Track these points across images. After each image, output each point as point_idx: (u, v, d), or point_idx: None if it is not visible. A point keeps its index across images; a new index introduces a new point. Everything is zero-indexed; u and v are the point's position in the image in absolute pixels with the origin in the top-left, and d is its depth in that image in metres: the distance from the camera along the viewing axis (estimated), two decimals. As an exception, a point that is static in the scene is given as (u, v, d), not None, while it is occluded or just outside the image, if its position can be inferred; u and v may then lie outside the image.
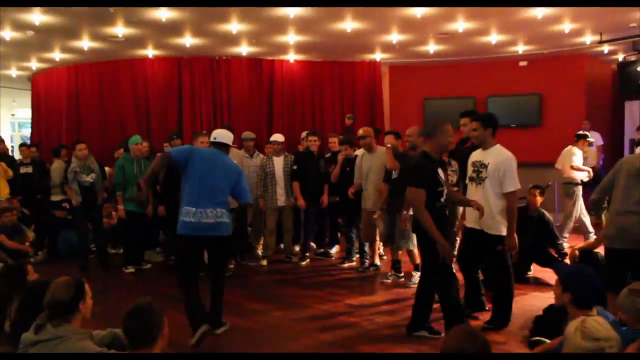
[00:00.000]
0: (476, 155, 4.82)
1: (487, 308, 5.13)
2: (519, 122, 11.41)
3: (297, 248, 7.95)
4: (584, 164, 10.63)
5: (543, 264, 6.37)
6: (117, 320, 2.55)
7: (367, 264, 7.04)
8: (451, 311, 4.35)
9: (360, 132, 6.84)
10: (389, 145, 6.22)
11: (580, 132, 9.01)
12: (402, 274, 6.54)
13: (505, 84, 11.51)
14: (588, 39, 9.85)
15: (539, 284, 6.27)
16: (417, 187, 4.21)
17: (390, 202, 6.23)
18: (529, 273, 6.58)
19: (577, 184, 8.37)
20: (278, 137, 7.59)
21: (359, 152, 7.01)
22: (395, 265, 6.58)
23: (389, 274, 6.57)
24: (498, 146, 4.73)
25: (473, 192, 4.77)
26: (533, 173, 10.01)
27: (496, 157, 4.63)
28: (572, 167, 8.43)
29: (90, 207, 7.34)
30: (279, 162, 7.46)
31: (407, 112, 11.83)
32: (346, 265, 7.32)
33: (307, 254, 7.66)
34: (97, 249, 7.77)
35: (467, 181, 4.93)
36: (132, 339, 2.44)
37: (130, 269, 7.22)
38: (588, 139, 8.73)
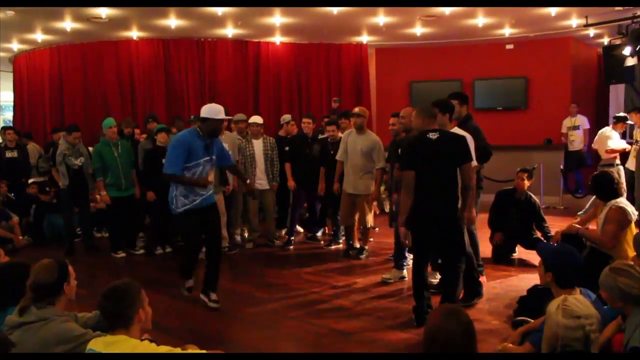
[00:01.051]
0: None
1: (481, 293, 5.14)
2: (505, 105, 11.46)
3: (283, 232, 7.91)
4: (570, 148, 10.75)
5: (528, 246, 6.43)
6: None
7: (342, 245, 7.06)
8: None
9: (357, 110, 6.73)
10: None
11: (620, 114, 8.99)
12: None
13: (491, 67, 11.54)
14: (574, 22, 9.89)
15: (524, 266, 6.33)
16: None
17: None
18: (513, 255, 6.64)
19: (616, 165, 8.35)
20: (257, 119, 7.42)
21: (346, 132, 6.94)
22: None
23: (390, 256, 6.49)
24: (455, 128, 4.84)
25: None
26: (519, 156, 10.11)
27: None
28: (607, 151, 8.47)
29: (78, 190, 7.27)
30: (258, 145, 7.32)
31: (394, 95, 11.83)
32: (333, 247, 7.34)
33: (292, 238, 7.62)
34: (83, 233, 7.73)
35: None
36: (107, 319, 2.45)
37: (121, 254, 7.15)
38: (627, 122, 8.72)
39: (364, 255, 6.78)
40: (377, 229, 7.69)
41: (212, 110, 4.86)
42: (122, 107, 11.01)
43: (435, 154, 4.24)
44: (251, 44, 11.48)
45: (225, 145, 6.81)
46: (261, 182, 7.31)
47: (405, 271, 5.85)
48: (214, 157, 4.99)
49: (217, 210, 5.19)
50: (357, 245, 6.95)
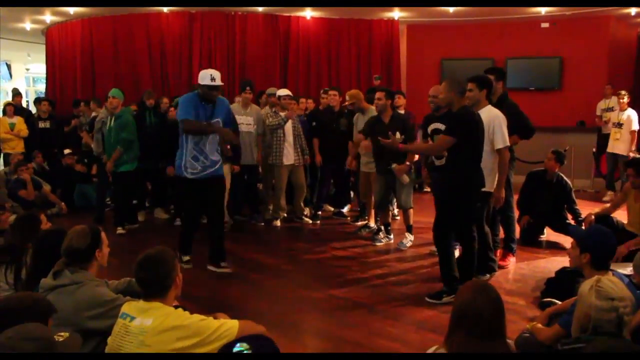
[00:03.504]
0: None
1: (496, 269, 5.14)
2: (538, 85, 11.22)
3: (307, 210, 7.80)
4: (604, 131, 10.40)
5: (557, 228, 6.35)
6: (132, 272, 2.54)
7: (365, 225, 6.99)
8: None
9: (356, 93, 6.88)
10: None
11: None
12: (392, 236, 6.51)
13: (525, 45, 11.27)
14: (614, -1, 9.57)
15: (552, 248, 6.26)
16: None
17: (378, 161, 6.18)
18: (542, 237, 6.57)
19: None
20: (286, 92, 7.30)
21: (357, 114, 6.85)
22: (387, 227, 6.51)
23: (382, 237, 6.45)
24: (489, 106, 4.77)
25: None
26: (551, 137, 9.92)
27: (487, 116, 4.66)
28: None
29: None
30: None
31: (424, 73, 11.67)
32: (360, 223, 7.32)
33: (319, 213, 7.63)
34: (113, 203, 7.81)
35: None
36: (145, 289, 2.45)
37: (121, 230, 6.88)
38: None
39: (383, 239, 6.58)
40: (397, 217, 7.53)
41: (201, 75, 5.05)
42: (152, 79, 11.08)
43: (476, 131, 4.38)
44: (282, 18, 11.40)
45: (248, 118, 6.90)
46: (290, 156, 7.22)
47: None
48: (218, 120, 5.09)
49: (224, 183, 5.33)
50: (372, 224, 6.90)
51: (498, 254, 5.40)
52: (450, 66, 11.55)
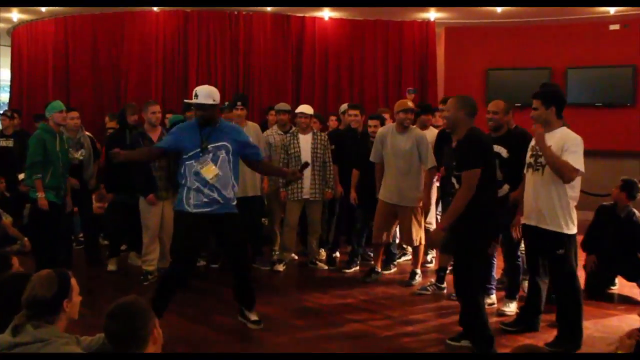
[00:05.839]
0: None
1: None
2: (606, 100, 11.18)
3: (322, 252, 7.82)
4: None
5: (631, 276, 6.26)
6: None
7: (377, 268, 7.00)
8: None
9: (410, 104, 6.74)
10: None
11: None
12: (445, 285, 6.50)
13: (590, 52, 11.27)
14: None
15: (626, 302, 6.17)
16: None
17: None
18: (612, 288, 6.47)
19: None
20: (306, 109, 7.38)
21: (386, 127, 6.91)
22: (441, 273, 6.54)
23: (429, 285, 6.52)
24: (564, 129, 4.78)
25: (529, 181, 4.92)
26: (622, 164, 9.85)
27: (559, 139, 4.69)
28: None
29: (78, 189, 7.36)
30: (306, 141, 7.29)
31: (466, 84, 11.68)
32: (351, 270, 7.30)
33: (336, 256, 7.64)
34: (86, 240, 7.86)
35: (525, 169, 5.03)
36: (116, 343, 2.47)
37: (112, 267, 7.19)
38: None
39: (416, 281, 6.73)
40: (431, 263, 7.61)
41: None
42: (140, 90, 11.23)
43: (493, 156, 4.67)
44: (294, 19, 11.55)
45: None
46: (308, 189, 7.25)
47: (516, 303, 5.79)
48: (219, 144, 5.04)
49: (238, 220, 5.22)
50: (379, 269, 6.97)
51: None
52: (498, 77, 11.57)
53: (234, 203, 5.15)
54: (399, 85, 11.57)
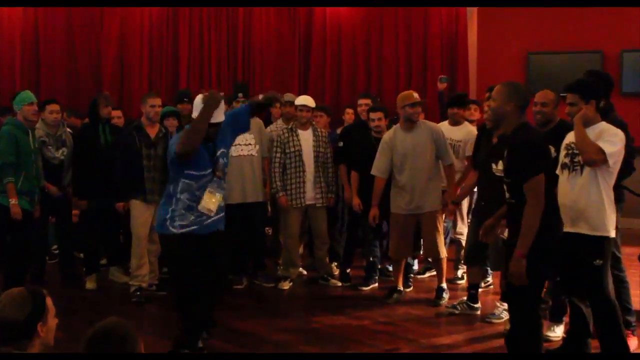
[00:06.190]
0: (572, 137, 4.89)
1: None
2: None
3: (334, 265, 7.85)
4: None
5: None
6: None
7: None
8: None
9: (416, 95, 6.70)
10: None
11: None
12: (479, 305, 6.50)
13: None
14: None
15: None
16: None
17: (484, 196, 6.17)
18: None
19: None
20: (307, 101, 7.33)
21: (388, 134, 6.85)
22: (472, 290, 6.52)
23: (458, 303, 6.51)
24: (604, 124, 4.81)
25: (565, 183, 4.89)
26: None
27: (598, 134, 4.71)
28: None
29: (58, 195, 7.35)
30: (306, 138, 7.28)
31: (503, 71, 11.62)
32: (368, 288, 7.31)
33: (349, 271, 7.59)
34: (61, 253, 7.84)
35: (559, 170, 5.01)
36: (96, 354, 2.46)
37: (91, 285, 7.22)
38: None
39: (444, 300, 6.73)
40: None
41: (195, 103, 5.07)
42: (122, 82, 11.27)
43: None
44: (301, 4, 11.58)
45: (246, 136, 6.88)
46: (311, 193, 7.27)
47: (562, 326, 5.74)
48: (223, 151, 5.11)
49: (222, 239, 5.23)
50: (401, 287, 6.96)
51: None
52: (540, 62, 11.53)
53: (221, 215, 5.13)
54: (424, 75, 11.55)
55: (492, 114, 4.69)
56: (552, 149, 5.38)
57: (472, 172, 6.55)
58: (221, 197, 5.02)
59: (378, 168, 6.76)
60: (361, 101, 7.70)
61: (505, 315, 5.91)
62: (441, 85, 8.83)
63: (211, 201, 4.94)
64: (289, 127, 7.32)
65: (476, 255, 6.37)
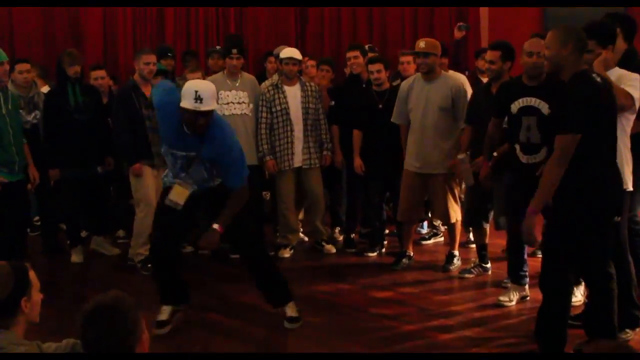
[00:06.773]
0: None
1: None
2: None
3: (337, 230, 7.95)
4: None
5: None
6: (75, 328, 2.53)
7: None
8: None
9: (422, 44, 6.52)
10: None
11: None
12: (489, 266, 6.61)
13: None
14: None
15: None
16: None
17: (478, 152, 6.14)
18: None
19: None
20: (294, 53, 7.23)
21: (406, 81, 6.84)
22: (482, 251, 6.65)
23: (472, 267, 6.63)
24: (618, 69, 4.87)
25: None
26: None
27: (616, 80, 4.71)
28: None
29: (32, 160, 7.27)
30: (294, 95, 7.18)
31: (517, 21, 11.58)
32: (374, 254, 7.39)
33: (354, 236, 7.67)
34: (43, 224, 7.90)
35: None
36: (95, 354, 2.46)
37: (77, 257, 7.26)
38: None
39: (454, 266, 6.81)
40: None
41: (184, 89, 4.74)
42: (104, 36, 11.25)
43: (607, 109, 4.32)
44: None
45: (239, 94, 7.00)
46: (300, 154, 7.24)
47: (527, 288, 5.83)
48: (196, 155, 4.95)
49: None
50: (411, 252, 7.02)
51: None
52: (558, 12, 11.44)
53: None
54: (430, 24, 11.45)
55: (549, 64, 4.46)
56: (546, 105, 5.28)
57: (467, 128, 6.40)
58: (189, 193, 4.98)
59: (397, 116, 6.78)
60: (349, 54, 7.55)
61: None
62: (459, 33, 8.68)
63: (180, 194, 4.94)
64: (274, 83, 7.20)
65: (477, 215, 6.47)
